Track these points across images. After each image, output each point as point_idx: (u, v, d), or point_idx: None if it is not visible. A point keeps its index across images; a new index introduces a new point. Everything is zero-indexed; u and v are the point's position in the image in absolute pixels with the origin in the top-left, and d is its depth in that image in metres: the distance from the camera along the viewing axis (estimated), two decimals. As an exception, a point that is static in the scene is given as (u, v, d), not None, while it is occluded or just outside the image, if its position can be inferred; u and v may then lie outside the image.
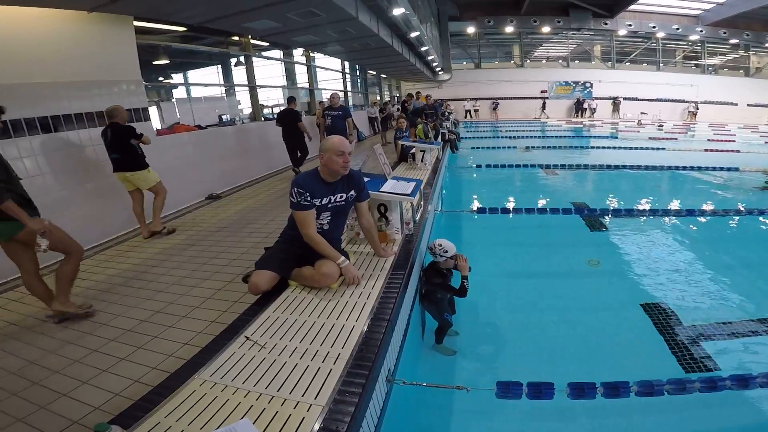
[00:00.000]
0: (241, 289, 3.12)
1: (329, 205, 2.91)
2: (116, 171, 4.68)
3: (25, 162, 4.22)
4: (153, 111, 6.80)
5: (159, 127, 6.69)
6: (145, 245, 4.65)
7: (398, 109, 16.87)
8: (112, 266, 4.08)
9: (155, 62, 7.35)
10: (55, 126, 4.52)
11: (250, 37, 8.66)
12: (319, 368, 2.02)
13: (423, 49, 14.86)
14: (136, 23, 5.57)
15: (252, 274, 2.89)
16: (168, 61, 7.68)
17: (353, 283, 2.86)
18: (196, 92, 9.19)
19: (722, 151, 13.06)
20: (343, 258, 2.87)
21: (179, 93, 8.82)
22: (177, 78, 9.32)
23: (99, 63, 5.08)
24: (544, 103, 27.84)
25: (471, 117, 27.81)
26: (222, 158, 7.46)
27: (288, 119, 7.78)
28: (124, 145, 4.55)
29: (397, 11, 8.21)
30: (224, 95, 9.77)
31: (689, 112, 26.67)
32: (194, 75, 9.83)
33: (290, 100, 8.11)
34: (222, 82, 9.91)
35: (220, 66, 9.84)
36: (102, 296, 3.41)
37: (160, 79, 8.34)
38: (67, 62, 4.72)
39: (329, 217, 2.95)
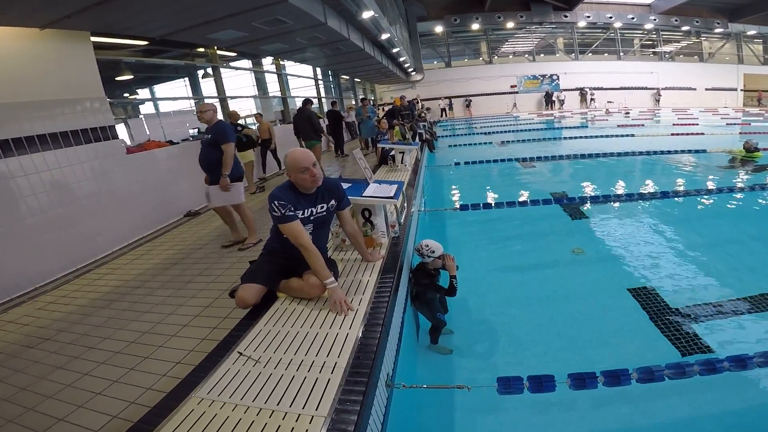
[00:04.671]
0: (229, 304, 3.05)
1: (311, 218, 2.85)
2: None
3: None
4: (121, 128, 6.57)
5: (129, 145, 6.47)
6: (126, 267, 4.52)
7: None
8: (94, 290, 3.95)
9: (119, 78, 7.12)
10: (17, 149, 4.28)
11: (216, 47, 8.49)
12: (317, 379, 1.99)
13: (394, 50, 14.89)
14: (94, 39, 5.37)
15: (239, 288, 2.82)
16: (132, 77, 7.46)
17: (337, 310, 2.57)
18: (165, 107, 8.94)
19: (687, 134, 13.54)
20: (331, 279, 2.65)
21: (147, 109, 8.57)
22: (143, 93, 9.06)
23: (58, 81, 4.88)
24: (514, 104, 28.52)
25: (446, 116, 28.09)
26: (198, 173, 7.26)
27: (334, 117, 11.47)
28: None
29: (366, 14, 8.18)
30: (194, 108, 9.55)
31: (655, 99, 27.61)
32: (161, 89, 9.57)
33: (333, 103, 12.35)
34: (190, 95, 9.68)
35: (187, 79, 9.58)
36: (86, 320, 3.30)
37: (126, 95, 8.11)
38: (23, 82, 4.50)
39: (311, 229, 2.87)
